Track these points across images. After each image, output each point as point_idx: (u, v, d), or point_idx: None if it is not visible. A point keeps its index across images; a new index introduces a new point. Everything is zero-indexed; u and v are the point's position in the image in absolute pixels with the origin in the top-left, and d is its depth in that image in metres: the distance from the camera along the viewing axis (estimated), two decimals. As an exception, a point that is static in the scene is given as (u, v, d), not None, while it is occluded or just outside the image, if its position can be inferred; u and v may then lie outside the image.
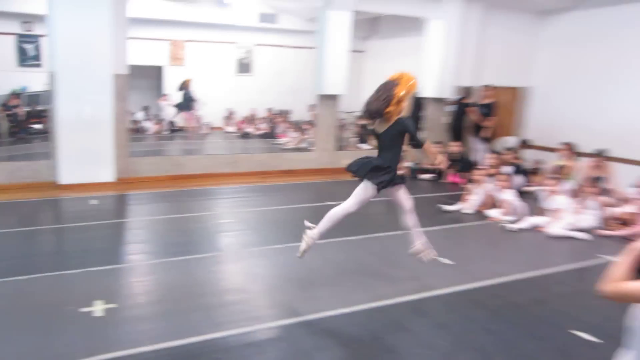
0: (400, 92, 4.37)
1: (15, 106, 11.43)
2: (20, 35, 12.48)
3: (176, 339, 3.60)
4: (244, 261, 5.30)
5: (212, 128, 15.31)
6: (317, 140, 10.48)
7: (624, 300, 1.91)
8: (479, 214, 7.49)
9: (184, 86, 13.76)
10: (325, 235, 4.51)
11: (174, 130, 14.49)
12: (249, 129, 14.80)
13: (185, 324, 3.83)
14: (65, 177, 8.02)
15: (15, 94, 11.71)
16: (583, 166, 8.59)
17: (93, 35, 7.78)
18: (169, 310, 4.06)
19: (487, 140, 10.46)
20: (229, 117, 15.58)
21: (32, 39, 12.53)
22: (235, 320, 3.89)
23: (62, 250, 5.65)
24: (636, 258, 1.90)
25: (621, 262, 1.90)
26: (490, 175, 8.01)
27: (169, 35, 14.56)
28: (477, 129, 10.46)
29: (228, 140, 13.84)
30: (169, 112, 14.42)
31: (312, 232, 4.60)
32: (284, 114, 15.31)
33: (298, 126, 13.53)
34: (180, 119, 14.21)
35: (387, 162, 4.53)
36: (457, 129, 10.64)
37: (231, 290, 4.53)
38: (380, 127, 4.57)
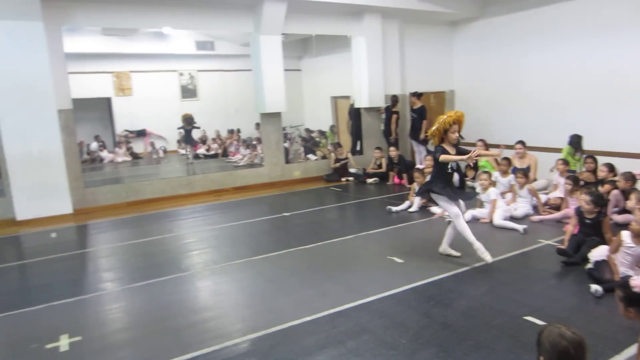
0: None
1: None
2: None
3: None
4: (207, 280, 5.04)
5: (166, 152, 14.98)
6: (266, 155, 10.32)
7: None
8: (424, 212, 7.51)
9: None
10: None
11: (135, 157, 14.32)
12: (202, 150, 14.53)
13: (154, 348, 3.58)
14: (22, 213, 7.55)
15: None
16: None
17: (32, 72, 7.38)
18: (137, 337, 3.80)
19: (423, 142, 10.59)
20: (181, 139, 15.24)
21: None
22: (204, 340, 3.66)
23: (25, 287, 5.23)
24: None
25: None
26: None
27: (112, 67, 14.33)
28: (414, 132, 10.58)
29: (183, 162, 13.51)
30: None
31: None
32: (234, 133, 15.09)
33: (248, 144, 13.32)
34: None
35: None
36: (390, 135, 10.73)
37: (198, 310, 4.28)
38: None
